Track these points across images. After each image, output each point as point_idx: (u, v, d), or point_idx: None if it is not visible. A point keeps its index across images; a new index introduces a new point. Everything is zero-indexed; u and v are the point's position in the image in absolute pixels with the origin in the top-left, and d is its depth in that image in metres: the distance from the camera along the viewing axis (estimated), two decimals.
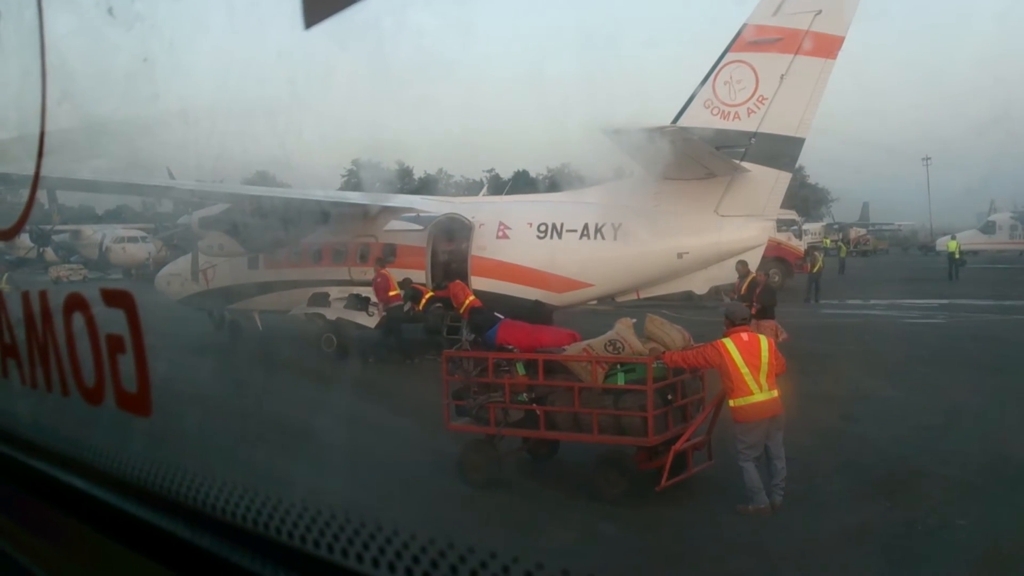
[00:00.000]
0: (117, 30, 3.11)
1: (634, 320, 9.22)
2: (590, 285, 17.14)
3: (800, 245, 39.08)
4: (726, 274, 17.10)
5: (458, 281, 17.59)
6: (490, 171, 64.77)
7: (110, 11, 3.03)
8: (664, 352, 8.66)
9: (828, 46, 15.33)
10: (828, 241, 60.58)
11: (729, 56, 16.18)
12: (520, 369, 9.12)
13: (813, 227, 65.44)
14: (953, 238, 42.84)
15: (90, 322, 2.63)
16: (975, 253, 44.74)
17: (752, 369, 7.99)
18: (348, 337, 19.03)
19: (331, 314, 19.05)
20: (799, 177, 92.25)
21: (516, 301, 17.34)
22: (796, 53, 15.43)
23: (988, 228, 47.45)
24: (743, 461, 7.95)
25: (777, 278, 35.93)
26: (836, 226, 75.44)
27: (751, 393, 7.95)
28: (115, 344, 2.48)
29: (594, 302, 17.96)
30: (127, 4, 3.08)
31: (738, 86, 15.94)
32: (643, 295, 17.68)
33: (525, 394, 9.01)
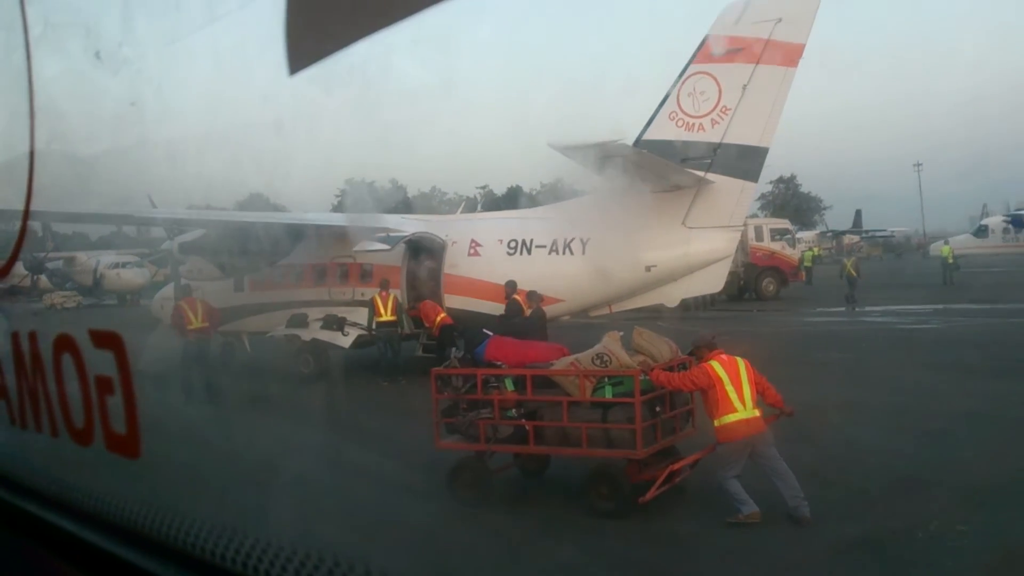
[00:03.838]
0: (104, 74, 3.13)
1: (621, 333, 9.21)
2: (560, 300, 17.07)
3: (794, 254, 39.06)
4: (696, 286, 17.07)
5: (428, 300, 17.64)
6: (484, 187, 65.06)
7: (97, 55, 3.06)
8: (653, 367, 8.68)
9: (789, 54, 15.29)
10: (818, 250, 60.65)
11: (692, 68, 16.16)
12: (509, 385, 9.08)
13: (807, 235, 65.54)
14: (946, 243, 42.73)
15: (79, 364, 2.65)
16: (968, 257, 44.53)
17: (736, 386, 8.11)
18: (325, 357, 19.04)
19: (307, 335, 19.04)
20: (792, 186, 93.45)
21: (487, 318, 17.36)
22: (757, 63, 15.39)
23: (981, 232, 47.24)
24: (725, 476, 7.99)
25: (772, 287, 36.03)
26: (830, 234, 75.59)
27: (735, 411, 8.05)
28: (104, 386, 2.49)
29: (567, 317, 17.88)
30: (114, 49, 3.10)
31: (701, 97, 15.91)
32: (615, 309, 17.63)
33: (514, 410, 8.98)
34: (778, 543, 7.59)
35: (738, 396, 8.08)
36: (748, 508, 7.83)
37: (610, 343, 8.85)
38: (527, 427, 8.83)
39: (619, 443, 8.39)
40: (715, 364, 8.24)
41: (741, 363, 8.32)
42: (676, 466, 8.37)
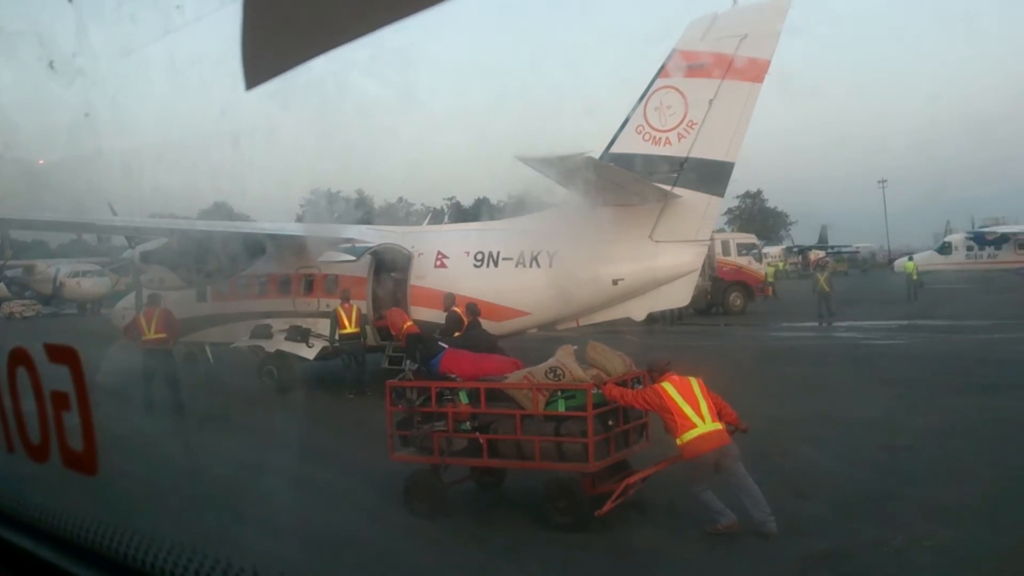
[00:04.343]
0: (59, 84, 3.06)
1: (575, 347, 9.21)
2: (526, 313, 17.01)
3: (760, 269, 39.34)
4: (663, 300, 17.07)
5: (395, 308, 17.47)
6: (451, 199, 64.98)
7: (51, 65, 2.97)
8: (605, 381, 8.69)
9: (755, 70, 15.37)
10: (783, 264, 61.25)
11: (659, 82, 16.20)
12: (463, 397, 9.07)
13: (773, 250, 66.21)
14: (910, 259, 43.28)
15: (34, 379, 2.61)
16: (932, 273, 45.17)
17: (691, 404, 8.15)
18: (289, 369, 18.81)
19: (270, 346, 18.80)
20: (758, 201, 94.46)
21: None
22: (723, 78, 15.46)
23: (944, 249, 47.90)
24: (697, 490, 8.04)
25: (739, 302, 36.26)
26: (796, 249, 76.42)
27: (695, 426, 8.08)
28: (60, 401, 2.46)
29: (534, 330, 17.80)
30: (68, 59, 3.00)
31: (668, 111, 15.95)
32: (582, 323, 17.58)
33: (468, 423, 8.97)
34: (745, 556, 7.59)
35: (695, 412, 8.11)
36: (727, 518, 7.89)
37: (564, 357, 8.87)
38: (481, 440, 8.82)
39: (572, 456, 8.42)
40: (667, 385, 8.30)
41: (694, 381, 8.39)
42: (632, 479, 8.42)
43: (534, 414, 8.56)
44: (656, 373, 8.54)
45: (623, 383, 8.82)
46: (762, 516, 7.77)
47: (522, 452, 8.70)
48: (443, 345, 10.18)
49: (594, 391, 8.43)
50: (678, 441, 8.14)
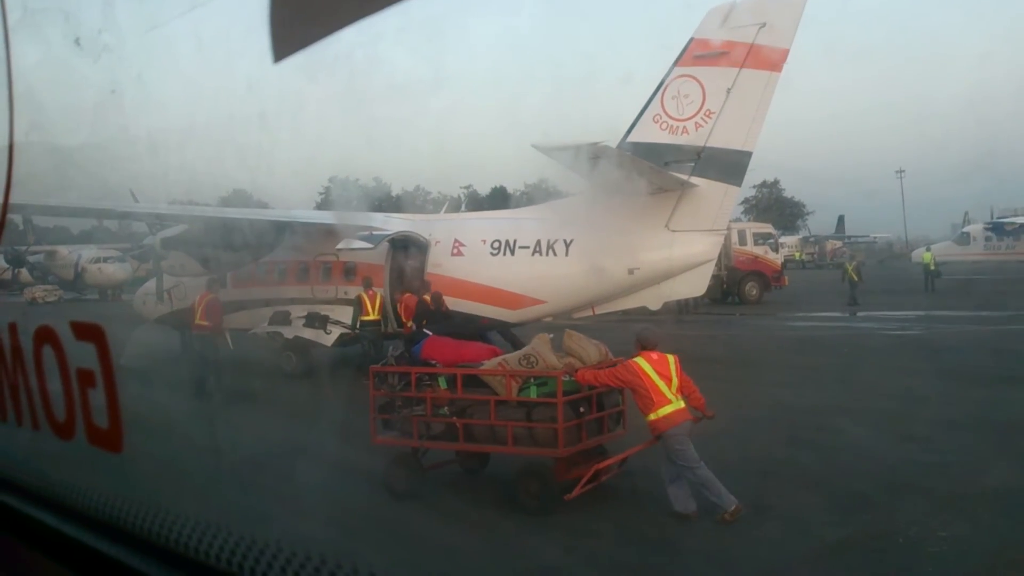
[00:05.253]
0: (85, 61, 3.09)
1: (551, 335, 9.37)
2: (543, 302, 17.11)
3: (777, 258, 39.18)
4: (679, 290, 17.14)
5: (408, 294, 17.65)
6: (468, 187, 65.07)
7: (77, 42, 3.01)
8: (578, 367, 8.83)
9: (773, 59, 15.38)
10: (799, 254, 60.94)
11: (676, 71, 16.22)
12: (442, 383, 9.29)
13: (789, 240, 65.89)
14: (928, 250, 42.99)
15: (60, 357, 2.61)
16: (950, 264, 44.87)
17: (665, 381, 8.32)
18: (308, 355, 19.02)
19: (289, 332, 18.99)
20: (775, 191, 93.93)
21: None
22: (741, 67, 15.48)
23: (962, 239, 47.58)
24: (675, 469, 8.16)
25: (755, 292, 36.18)
26: (812, 239, 75.93)
27: (669, 402, 8.24)
28: (85, 379, 2.46)
29: (550, 318, 17.91)
30: (94, 35, 3.06)
31: (685, 101, 15.98)
32: (597, 311, 17.67)
33: (446, 407, 9.16)
34: (762, 545, 7.62)
35: (668, 388, 8.30)
36: (688, 507, 8.07)
37: (539, 345, 9.07)
38: (457, 424, 9.04)
39: (543, 442, 8.61)
40: (640, 360, 8.42)
41: (671, 359, 8.53)
42: (602, 464, 8.62)
43: (507, 400, 8.78)
44: (641, 346, 8.64)
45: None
46: (711, 491, 7.95)
47: (496, 437, 8.90)
48: (426, 332, 10.46)
49: (565, 378, 8.62)
50: (651, 416, 8.28)
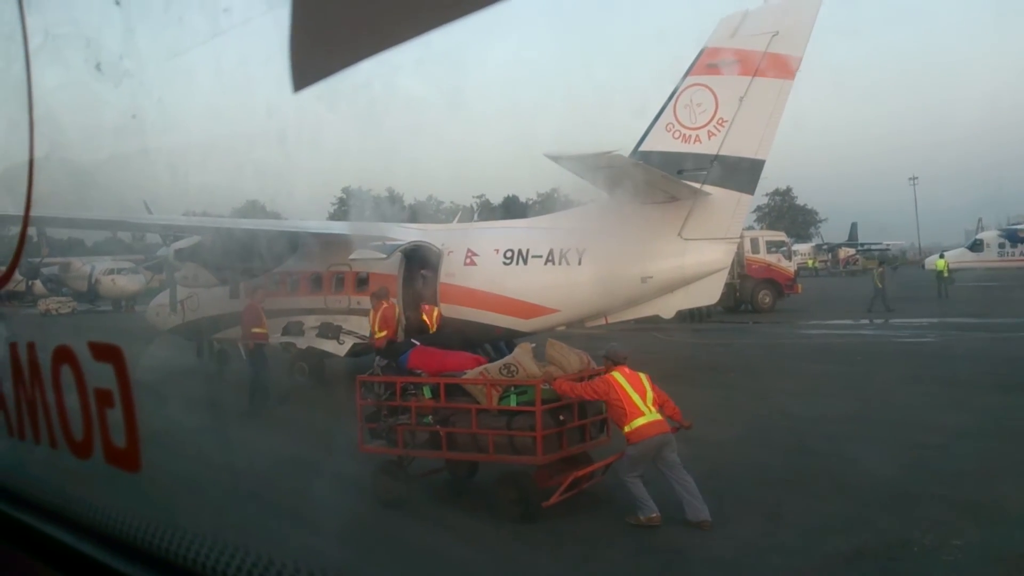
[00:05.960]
0: (105, 86, 3.11)
1: (534, 345, 9.59)
2: (556, 311, 17.08)
3: (790, 266, 39.06)
4: (692, 298, 17.10)
5: (424, 305, 17.66)
6: (480, 197, 65.19)
7: (98, 67, 3.04)
8: (558, 376, 9.00)
9: (786, 67, 15.35)
10: (812, 262, 60.70)
11: (689, 79, 16.22)
12: (426, 392, 9.44)
13: (803, 248, 65.71)
14: (941, 256, 42.79)
15: (78, 376, 2.62)
16: (963, 271, 44.62)
17: (640, 394, 8.54)
18: (321, 365, 19.05)
19: (302, 343, 19.02)
20: (788, 199, 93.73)
21: (483, 328, 17.38)
22: (754, 75, 15.45)
23: (976, 246, 47.31)
24: (630, 477, 8.34)
25: (768, 300, 36.08)
26: (825, 246, 75.74)
27: (643, 414, 8.46)
28: (103, 398, 2.48)
29: (563, 327, 17.89)
30: (115, 61, 3.08)
31: (698, 109, 15.97)
32: (611, 320, 17.64)
33: (430, 416, 9.30)
34: (773, 553, 7.60)
35: (642, 401, 8.49)
36: (649, 510, 8.19)
37: (520, 354, 9.20)
38: (441, 433, 9.15)
39: (523, 450, 8.70)
40: (616, 375, 8.64)
41: (643, 376, 8.76)
42: (581, 472, 8.72)
43: (488, 409, 8.88)
44: (611, 362, 8.85)
45: (580, 380, 9.04)
46: (696, 507, 8.07)
47: (478, 445, 9.01)
48: (414, 342, 10.61)
49: (544, 387, 8.73)
50: (626, 428, 8.45)
